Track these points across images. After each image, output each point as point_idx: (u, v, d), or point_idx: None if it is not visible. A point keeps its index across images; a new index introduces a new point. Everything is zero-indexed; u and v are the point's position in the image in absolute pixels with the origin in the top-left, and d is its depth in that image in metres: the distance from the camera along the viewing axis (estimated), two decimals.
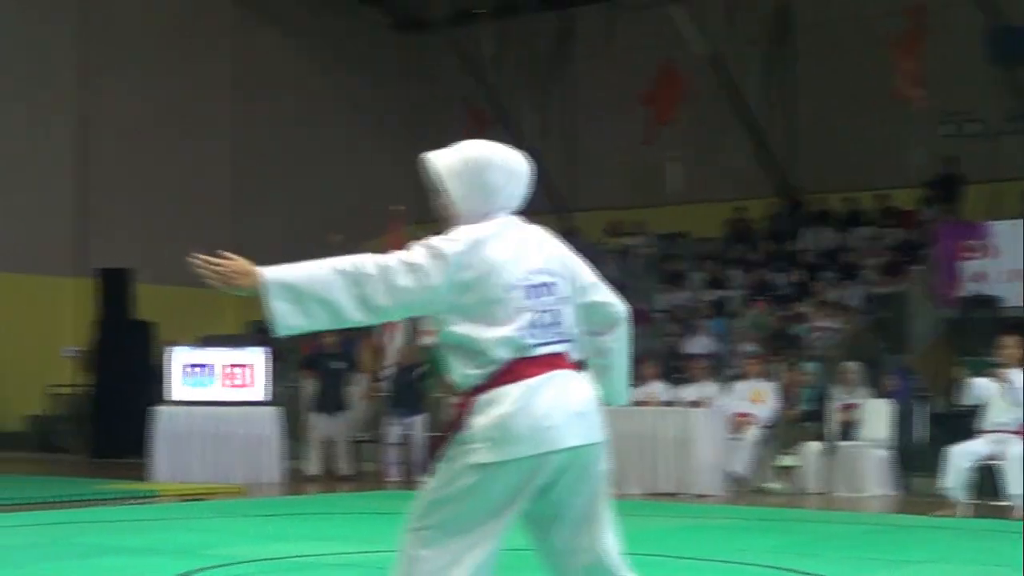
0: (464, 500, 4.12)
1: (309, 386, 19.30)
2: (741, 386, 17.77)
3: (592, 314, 4.50)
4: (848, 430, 16.74)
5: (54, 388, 25.54)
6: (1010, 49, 24.18)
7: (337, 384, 18.82)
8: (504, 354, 4.15)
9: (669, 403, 16.76)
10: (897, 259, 23.09)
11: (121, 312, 23.58)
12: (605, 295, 4.55)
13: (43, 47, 26.71)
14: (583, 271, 4.51)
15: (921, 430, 17.05)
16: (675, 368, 19.55)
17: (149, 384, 21.08)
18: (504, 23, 29.59)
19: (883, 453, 16.51)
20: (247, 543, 10.81)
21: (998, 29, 24.43)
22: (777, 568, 9.18)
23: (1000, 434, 13.80)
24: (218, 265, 4.13)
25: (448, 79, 31.29)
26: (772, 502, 15.65)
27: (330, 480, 18.36)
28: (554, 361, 4.26)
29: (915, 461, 16.80)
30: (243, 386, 17.95)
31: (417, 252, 4.16)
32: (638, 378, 18.35)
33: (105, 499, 14.91)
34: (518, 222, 4.39)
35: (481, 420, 4.12)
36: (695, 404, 16.52)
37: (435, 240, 4.19)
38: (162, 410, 17.74)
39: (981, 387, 13.82)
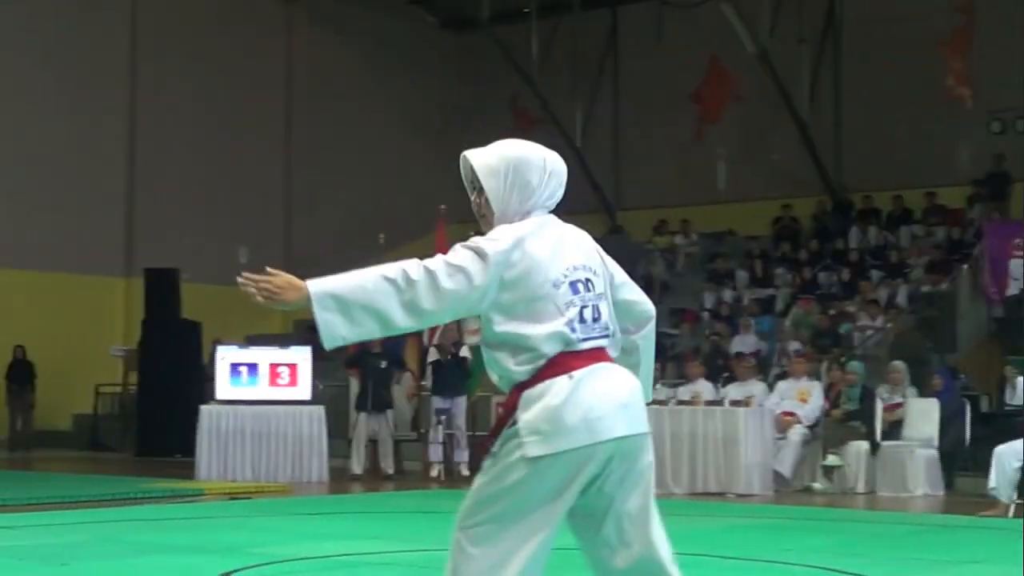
0: (515, 495, 4.13)
1: (353, 385, 19.35)
2: (787, 385, 17.69)
3: (624, 312, 4.50)
4: (894, 429, 16.65)
5: (102, 387, 25.71)
6: None
7: (381, 383, 18.86)
8: (552, 349, 4.18)
9: (714, 402, 16.70)
10: (944, 257, 22.96)
11: (168, 312, 23.70)
12: (637, 294, 4.55)
13: (94, 48, 26.92)
14: (616, 269, 4.52)
15: (967, 429, 16.92)
16: (721, 367, 19.50)
17: (195, 383, 21.21)
18: (551, 21, 29.58)
19: (929, 453, 16.41)
20: (292, 541, 10.84)
21: None
22: (822, 568, 9.13)
23: None
24: (263, 281, 4.11)
25: (495, 78, 31.30)
26: (817, 502, 15.58)
27: (374, 479, 18.39)
28: (597, 355, 4.27)
29: (961, 461, 16.71)
30: (288, 385, 18.02)
31: (460, 254, 4.17)
32: (683, 377, 18.35)
33: (152, 497, 14.99)
34: (555, 220, 4.39)
35: (530, 414, 4.13)
36: (740, 403, 16.45)
37: (477, 241, 4.21)
38: (208, 409, 17.81)
39: None
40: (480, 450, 15.65)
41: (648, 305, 4.61)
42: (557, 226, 4.38)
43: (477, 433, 18.38)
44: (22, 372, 25.04)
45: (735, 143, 29.10)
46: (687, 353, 20.99)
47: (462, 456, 18.52)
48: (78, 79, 26.59)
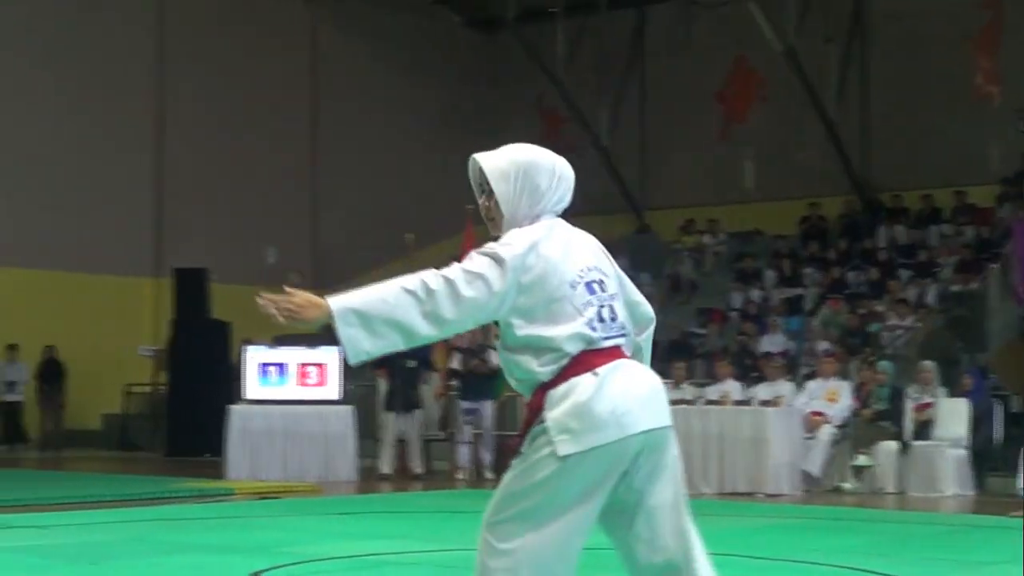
0: (544, 492, 4.15)
1: (382, 385, 19.37)
2: (816, 385, 17.65)
3: (629, 313, 4.52)
4: (924, 429, 16.60)
5: (132, 387, 25.80)
6: None
7: (409, 383, 18.88)
8: (575, 348, 4.21)
9: (743, 402, 16.67)
10: (974, 256, 22.86)
11: (197, 312, 23.75)
12: (639, 296, 4.60)
13: (121, 51, 27.01)
14: (620, 271, 4.56)
15: (998, 429, 16.86)
16: (749, 367, 19.47)
17: (224, 383, 21.25)
18: (577, 21, 29.56)
19: (959, 453, 16.35)
20: (321, 541, 10.87)
21: None
22: (851, 568, 9.11)
23: None
24: (283, 301, 4.13)
25: (520, 78, 31.30)
26: (847, 502, 15.54)
27: (403, 479, 18.42)
28: (617, 352, 4.32)
29: (991, 461, 16.64)
30: (317, 385, 18.05)
31: (477, 261, 4.19)
32: (712, 376, 18.32)
33: (181, 497, 15.04)
34: (563, 223, 4.43)
35: (558, 412, 4.15)
36: (769, 403, 16.42)
37: (493, 246, 4.24)
38: (237, 408, 17.87)
39: None
40: (507, 451, 15.70)
41: (649, 308, 4.66)
42: (566, 229, 4.44)
43: (505, 434, 18.39)
44: (53, 372, 25.16)
45: (762, 142, 29.02)
46: (715, 353, 20.95)
47: (485, 458, 18.51)
48: (105, 81, 26.69)
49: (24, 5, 25.79)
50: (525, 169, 4.36)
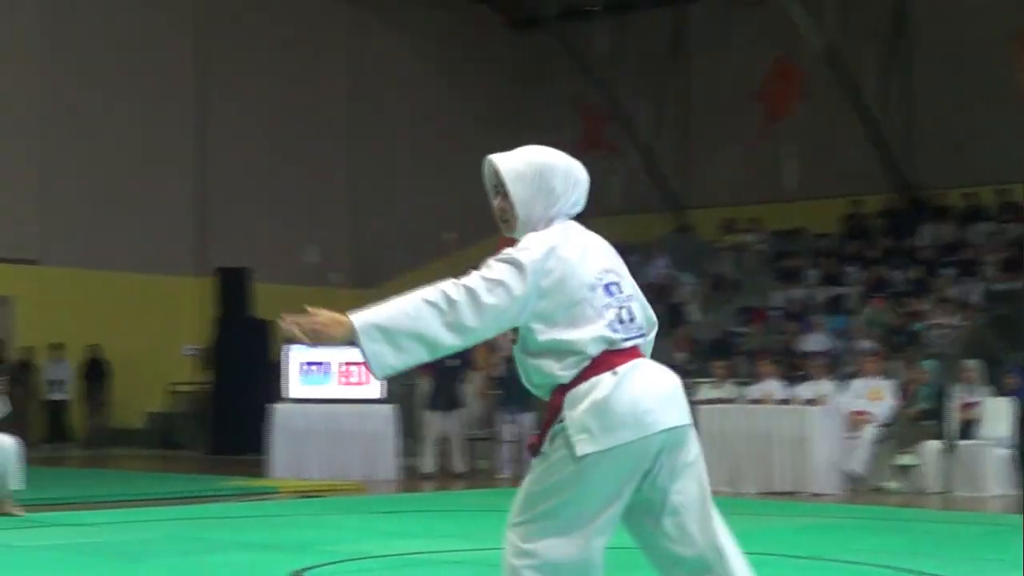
0: (565, 493, 4.16)
1: (424, 384, 19.41)
2: (858, 384, 17.57)
3: None
4: (968, 429, 16.49)
5: (175, 386, 25.93)
6: None
7: (451, 382, 18.91)
8: (596, 350, 4.22)
9: (785, 401, 16.61)
10: (1017, 255, 22.69)
11: (239, 311, 23.86)
12: (644, 299, 4.56)
13: (163, 50, 27.16)
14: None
15: None
16: (791, 366, 19.39)
17: (267, 382, 21.32)
18: (617, 19, 29.54)
19: (1003, 452, 16.24)
20: (363, 539, 10.91)
21: None
22: (895, 568, 9.07)
23: None
24: (307, 322, 4.13)
25: (561, 77, 31.27)
26: (890, 501, 15.46)
27: (445, 477, 18.45)
28: (635, 352, 4.33)
29: None
30: (359, 384, 18.08)
31: (496, 268, 4.20)
32: (754, 376, 18.26)
33: (224, 495, 15.11)
34: (577, 226, 4.43)
35: (577, 412, 4.16)
36: (812, 402, 16.36)
37: (511, 252, 4.24)
38: (280, 407, 17.93)
39: None
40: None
41: (651, 311, 4.62)
42: (581, 231, 4.42)
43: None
44: (97, 371, 25.33)
45: (804, 140, 28.90)
46: (757, 352, 20.88)
47: (527, 456, 18.50)
48: (148, 82, 26.85)
49: (67, 8, 25.96)
50: (541, 171, 4.36)
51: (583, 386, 4.18)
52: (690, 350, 22.02)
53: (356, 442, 17.79)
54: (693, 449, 4.39)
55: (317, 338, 4.16)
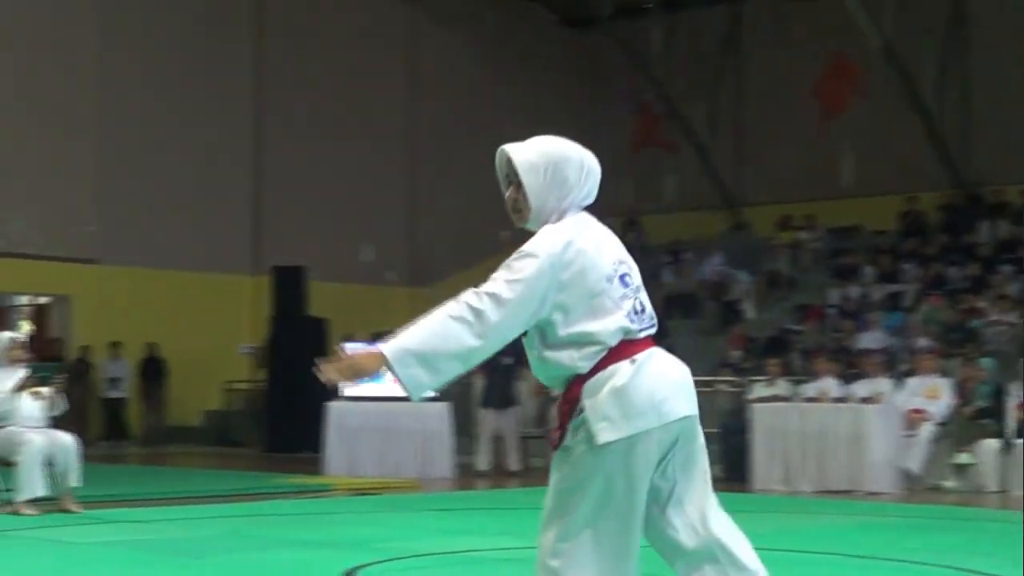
0: (593, 485, 4.17)
1: (478, 382, 19.43)
2: (915, 382, 17.44)
3: None
4: None
5: (231, 384, 26.08)
6: None
7: (506, 380, 18.91)
8: (615, 340, 4.23)
9: (841, 399, 16.52)
10: None
11: (295, 309, 23.96)
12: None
13: (222, 51, 27.34)
14: None
15: None
16: (848, 364, 19.28)
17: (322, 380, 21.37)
18: (672, 17, 29.47)
19: None
20: (418, 537, 10.93)
21: None
22: (952, 568, 9.01)
23: None
24: (341, 364, 4.17)
25: (615, 74, 31.25)
26: (947, 500, 15.35)
27: (499, 475, 18.45)
28: (650, 342, 4.35)
29: None
30: None
31: (515, 266, 4.20)
32: (809, 374, 18.16)
33: (280, 493, 15.18)
34: (589, 217, 4.42)
35: (596, 400, 4.18)
36: (868, 400, 16.26)
37: (529, 248, 4.23)
38: (335, 405, 17.98)
39: None
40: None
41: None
42: (594, 223, 4.41)
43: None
44: (154, 369, 25.53)
45: (860, 137, 28.74)
46: (813, 350, 20.78)
47: None
48: (206, 82, 27.03)
49: (125, 7, 26.14)
50: (555, 162, 4.35)
51: (601, 375, 4.19)
52: (745, 348, 21.95)
53: (411, 440, 17.83)
54: (700, 440, 4.43)
55: (355, 375, 4.19)
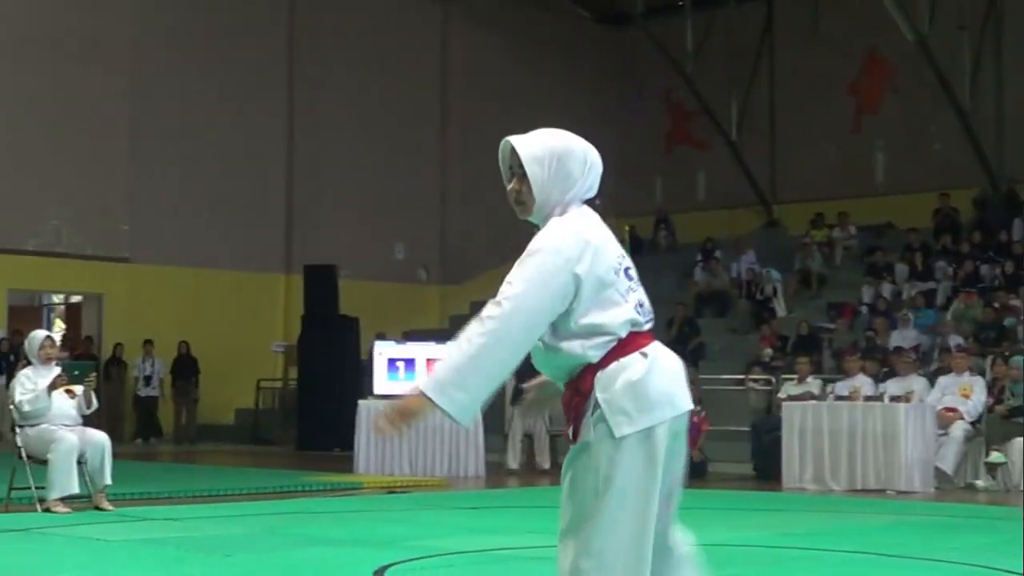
0: (614, 481, 4.16)
1: (509, 380, 19.40)
2: (948, 380, 17.35)
3: None
4: None
5: (263, 382, 26.15)
6: None
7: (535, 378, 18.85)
8: (624, 331, 4.25)
9: (874, 397, 16.46)
10: None
11: (327, 308, 23.99)
12: None
13: (254, 53, 27.46)
14: None
15: None
16: (880, 362, 19.21)
17: (354, 378, 21.45)
18: (705, 14, 29.41)
19: None
20: (448, 535, 10.93)
21: None
22: (984, 567, 8.97)
23: None
24: (388, 414, 4.17)
25: (649, 72, 31.23)
26: (980, 499, 15.29)
27: (530, 473, 18.45)
28: (652, 335, 4.36)
29: None
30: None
31: (529, 263, 4.19)
32: (841, 372, 18.11)
33: (311, 491, 15.21)
34: (591, 212, 4.41)
35: (611, 393, 4.18)
36: (900, 399, 16.20)
37: (539, 244, 4.23)
38: (366, 404, 17.99)
39: None
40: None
41: None
42: (595, 217, 4.40)
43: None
44: (187, 367, 25.62)
45: (894, 134, 28.65)
46: (844, 349, 20.71)
47: None
48: (239, 81, 27.14)
49: (158, 8, 26.25)
50: (559, 155, 4.35)
51: (614, 367, 4.20)
52: (776, 346, 21.89)
53: (442, 438, 17.82)
54: (684, 436, 4.44)
55: (404, 420, 4.19)
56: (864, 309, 23.75)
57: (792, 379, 18.21)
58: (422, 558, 9.25)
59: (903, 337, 21.02)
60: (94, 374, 13.04)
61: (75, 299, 28.58)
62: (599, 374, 4.21)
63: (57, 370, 12.25)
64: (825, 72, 29.19)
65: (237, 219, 26.86)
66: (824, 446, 15.93)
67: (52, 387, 12.06)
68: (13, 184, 24.51)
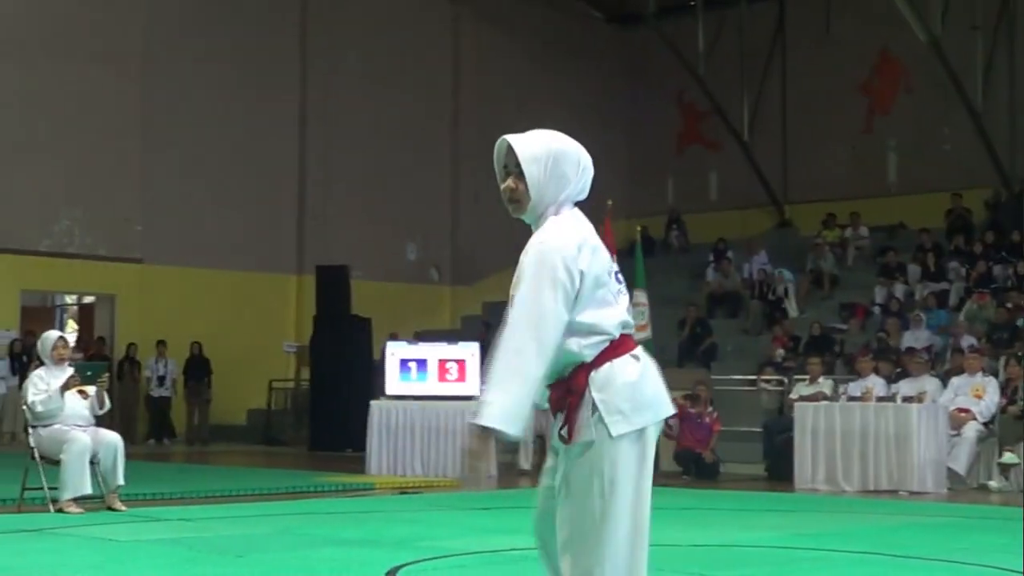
0: (613, 483, 4.23)
1: None
2: (961, 381, 17.33)
3: None
4: None
5: (276, 382, 26.17)
6: None
7: None
8: (618, 332, 4.32)
9: (886, 398, 16.44)
10: None
11: (339, 308, 24.00)
12: None
13: (267, 51, 27.49)
14: None
15: None
16: (892, 363, 19.18)
17: (366, 379, 21.45)
18: (717, 15, 29.41)
19: None
20: (461, 535, 10.94)
21: None
22: (998, 568, 8.95)
23: None
24: (471, 459, 4.26)
25: (660, 72, 31.21)
26: (993, 500, 15.26)
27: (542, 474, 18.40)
28: (633, 338, 4.42)
29: None
30: (456, 381, 18.09)
31: (540, 269, 4.24)
32: (853, 372, 18.08)
33: (323, 491, 15.23)
34: (582, 214, 4.47)
35: (607, 393, 4.25)
36: (912, 399, 16.17)
37: (542, 246, 4.30)
38: (378, 404, 18.00)
39: None
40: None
41: None
42: (586, 220, 4.47)
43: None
44: (199, 368, 25.65)
45: (906, 134, 28.61)
46: (859, 349, 20.69)
47: None
48: (251, 82, 27.16)
49: (168, 10, 26.29)
50: (555, 156, 4.41)
51: (608, 368, 4.26)
52: (788, 347, 21.86)
53: (454, 439, 17.80)
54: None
55: (482, 458, 4.26)
56: (876, 310, 23.72)
57: (804, 379, 18.19)
58: (434, 559, 9.25)
59: (915, 338, 21.00)
60: (106, 375, 13.06)
61: (88, 300, 28.62)
62: (593, 374, 4.26)
63: (70, 371, 12.26)
64: (837, 72, 29.17)
65: (249, 220, 26.89)
66: (836, 447, 15.91)
67: (65, 388, 12.07)
68: (25, 185, 24.56)
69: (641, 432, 4.25)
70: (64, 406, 12.13)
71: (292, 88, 27.96)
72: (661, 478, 17.23)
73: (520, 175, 4.40)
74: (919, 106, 28.16)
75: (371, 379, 21.06)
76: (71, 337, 23.43)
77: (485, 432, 4.17)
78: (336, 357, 23.24)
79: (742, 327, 24.92)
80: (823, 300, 25.16)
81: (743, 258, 26.96)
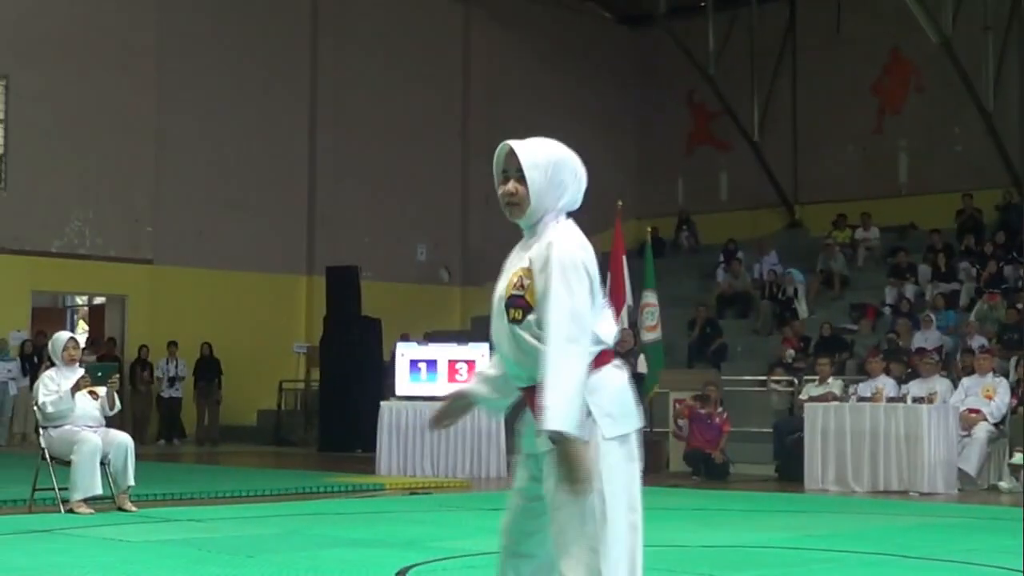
0: (611, 482, 4.28)
1: None
2: (971, 382, 17.30)
3: None
4: None
5: (286, 383, 26.19)
6: None
7: None
8: (612, 341, 4.41)
9: (896, 399, 16.41)
10: None
11: (349, 309, 24.01)
12: None
13: (277, 53, 27.51)
14: None
15: None
16: (903, 363, 19.17)
17: (376, 379, 21.45)
18: (727, 15, 29.41)
19: None
20: (471, 536, 10.93)
21: None
22: (1008, 569, 8.94)
23: None
24: (580, 479, 4.21)
25: (671, 72, 31.21)
26: (1004, 501, 15.24)
27: None
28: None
29: None
30: (467, 381, 18.02)
31: (574, 265, 4.30)
32: (864, 373, 18.06)
33: (334, 492, 15.24)
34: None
35: (599, 397, 4.30)
36: (922, 400, 16.15)
37: (565, 253, 4.32)
38: (388, 405, 18.00)
39: None
40: (650, 447, 15.53)
41: None
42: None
43: (654, 430, 18.33)
44: (209, 369, 25.67)
45: (917, 134, 28.58)
46: (869, 349, 20.68)
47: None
48: (262, 84, 27.21)
49: (182, 11, 26.32)
50: (555, 163, 4.47)
51: (599, 374, 4.32)
52: (798, 347, 21.85)
53: (464, 439, 17.81)
54: None
55: (589, 468, 4.22)
56: (887, 310, 23.70)
57: (814, 380, 18.17)
58: (444, 559, 9.26)
59: (926, 338, 20.98)
60: (117, 376, 13.07)
61: (98, 301, 28.67)
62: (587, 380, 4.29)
63: (80, 371, 12.28)
64: (848, 72, 29.15)
65: (260, 221, 26.92)
66: (847, 447, 15.89)
67: (75, 388, 12.09)
68: (37, 186, 24.62)
69: (626, 437, 4.33)
70: (75, 407, 12.14)
71: (303, 90, 28.00)
72: (671, 479, 17.30)
73: (521, 179, 4.43)
74: (930, 106, 28.12)
75: (381, 380, 21.07)
76: (82, 338, 23.44)
77: (576, 445, 4.19)
78: (346, 358, 23.24)
79: (752, 327, 24.91)
80: (833, 301, 25.14)
81: (753, 258, 26.95)
